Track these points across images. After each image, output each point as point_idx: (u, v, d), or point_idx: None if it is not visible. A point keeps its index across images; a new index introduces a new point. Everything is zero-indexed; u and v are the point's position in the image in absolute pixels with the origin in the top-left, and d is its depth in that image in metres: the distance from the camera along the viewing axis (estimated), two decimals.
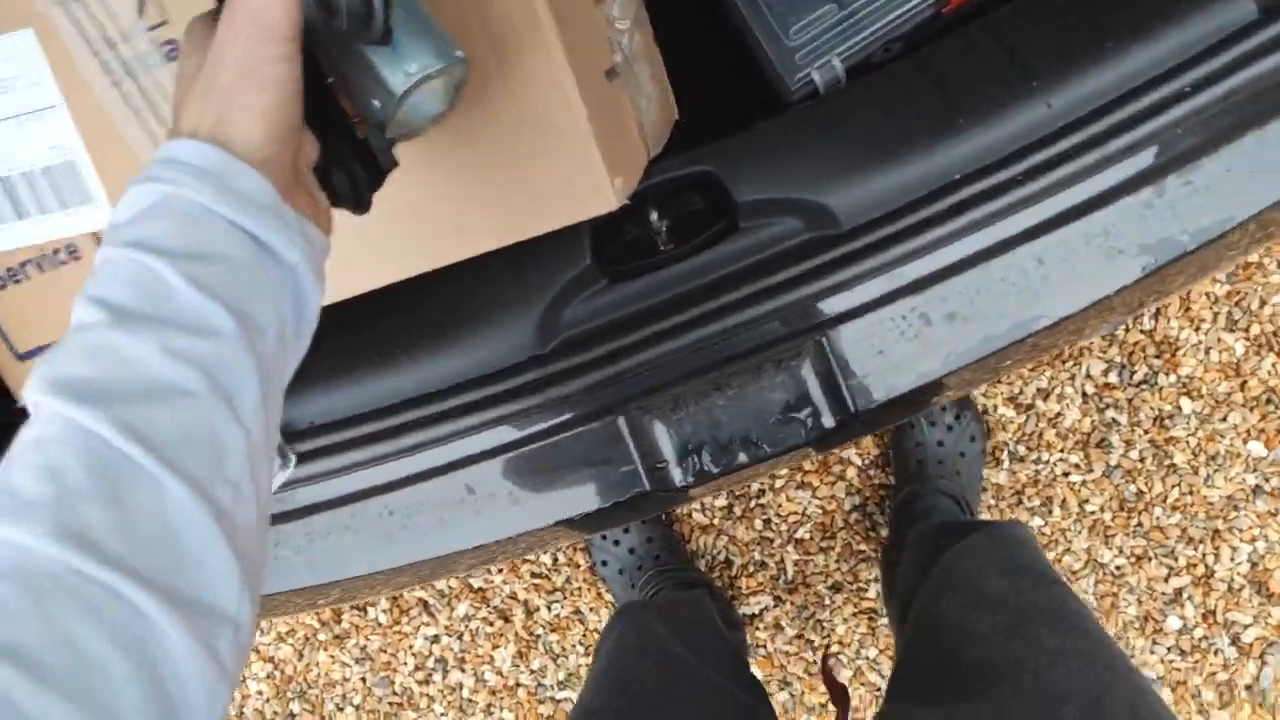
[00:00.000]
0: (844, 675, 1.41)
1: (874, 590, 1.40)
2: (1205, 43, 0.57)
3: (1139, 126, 0.58)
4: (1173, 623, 1.32)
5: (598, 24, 0.57)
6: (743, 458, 0.65)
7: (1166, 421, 1.33)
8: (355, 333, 0.66)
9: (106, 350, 0.32)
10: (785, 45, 0.77)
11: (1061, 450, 1.37)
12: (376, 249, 0.55)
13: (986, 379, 0.71)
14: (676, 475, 0.65)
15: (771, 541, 1.43)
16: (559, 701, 1.52)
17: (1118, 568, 1.34)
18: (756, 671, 1.39)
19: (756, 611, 1.43)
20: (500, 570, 1.51)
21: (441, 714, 1.54)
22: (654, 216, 0.64)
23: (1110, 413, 1.35)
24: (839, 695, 0.80)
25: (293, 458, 0.68)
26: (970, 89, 0.60)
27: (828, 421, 0.65)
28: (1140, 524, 1.34)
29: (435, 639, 1.53)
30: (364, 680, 1.57)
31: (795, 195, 0.61)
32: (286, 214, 0.37)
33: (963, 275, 0.62)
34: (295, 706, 1.60)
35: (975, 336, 0.63)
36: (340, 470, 0.68)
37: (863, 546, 1.41)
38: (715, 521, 1.45)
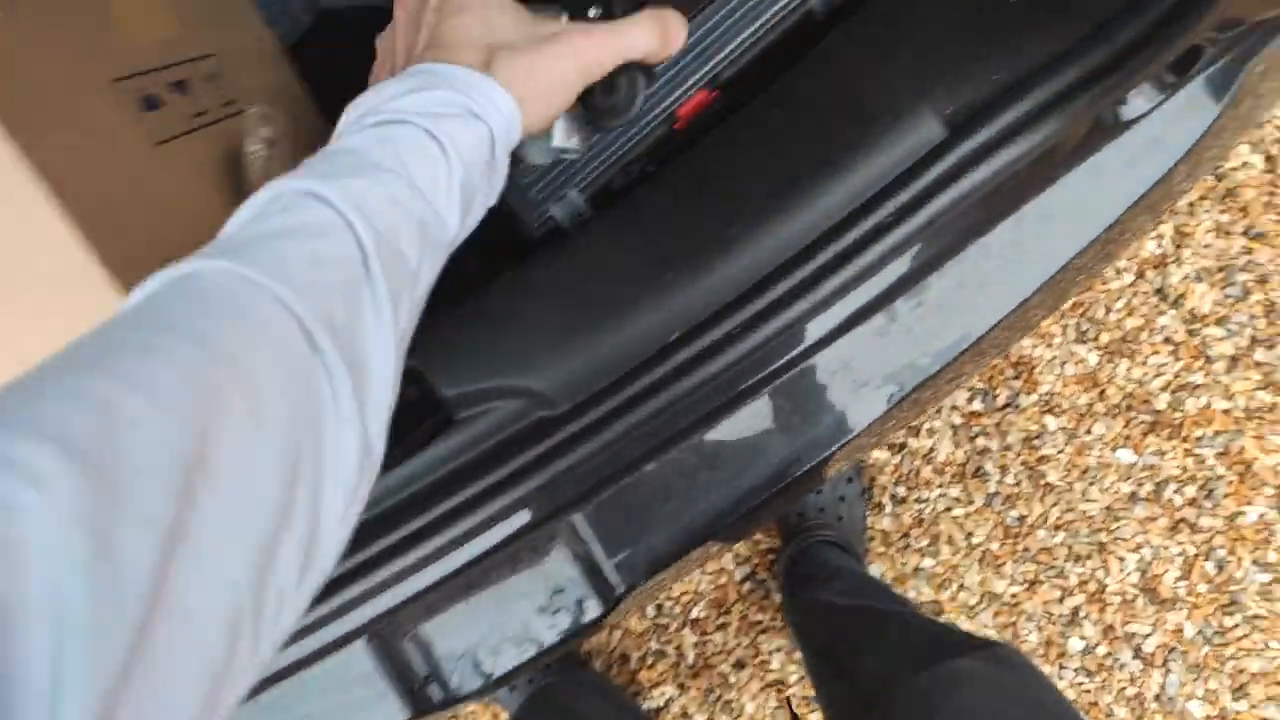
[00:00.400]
0: None
1: (777, 661, 1.36)
2: (900, 168, 0.53)
3: (853, 259, 0.55)
4: (1074, 644, 1.30)
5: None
6: (509, 658, 0.60)
7: (1035, 441, 1.32)
8: None
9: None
10: (520, 184, 0.72)
11: (940, 485, 1.34)
12: None
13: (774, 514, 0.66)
14: (437, 693, 0.59)
15: (666, 627, 1.38)
16: None
17: (1013, 596, 1.32)
18: None
19: (662, 704, 1.38)
20: None
21: None
22: None
23: (981, 440, 1.33)
24: None
25: None
26: (674, 241, 0.56)
27: (591, 610, 0.60)
28: (1027, 548, 1.32)
29: None
30: None
31: (502, 382, 0.56)
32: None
33: (694, 439, 0.57)
34: None
35: (724, 494, 0.58)
36: None
37: (760, 617, 1.37)
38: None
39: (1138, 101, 0.56)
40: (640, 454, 0.58)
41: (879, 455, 1.35)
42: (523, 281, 0.58)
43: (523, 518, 0.59)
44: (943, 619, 1.33)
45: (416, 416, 0.59)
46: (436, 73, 0.42)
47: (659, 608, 1.39)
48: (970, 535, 1.33)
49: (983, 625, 1.32)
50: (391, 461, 0.59)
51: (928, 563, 1.34)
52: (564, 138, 0.60)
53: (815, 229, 0.54)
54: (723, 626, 1.38)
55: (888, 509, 1.35)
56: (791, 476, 0.59)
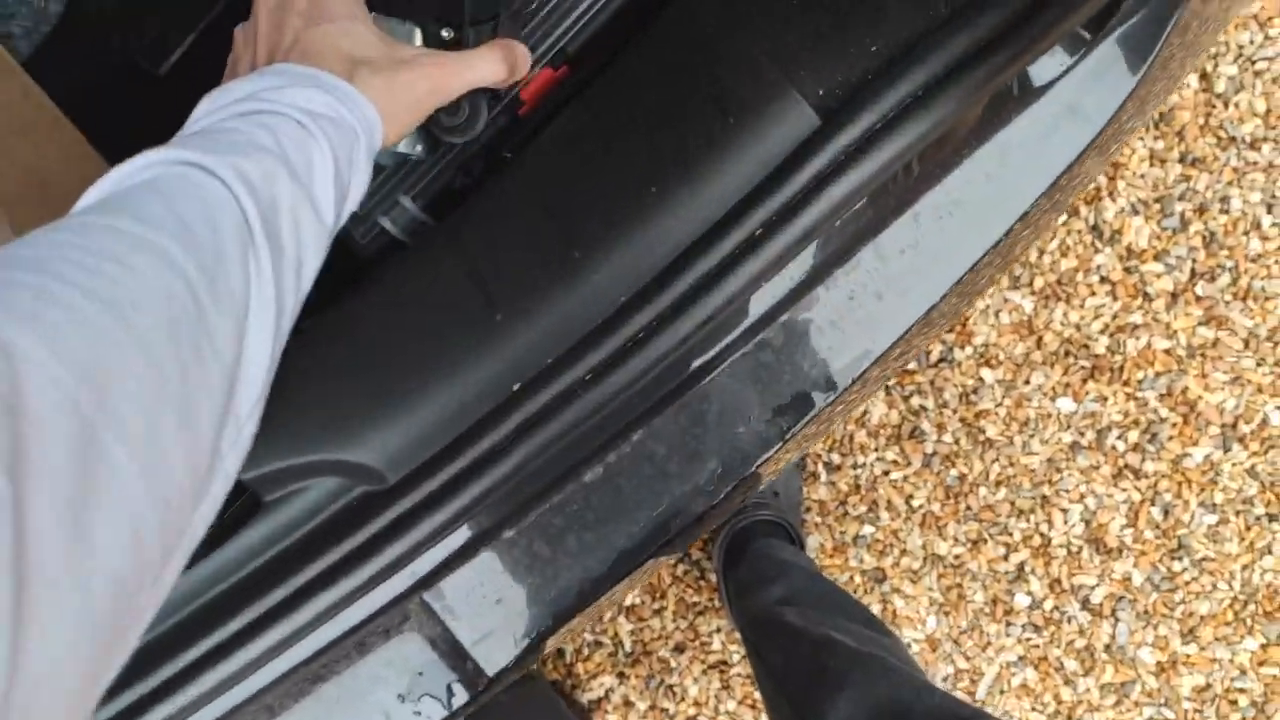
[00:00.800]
0: None
1: (717, 642, 1.31)
2: (773, 164, 0.44)
3: (724, 279, 0.45)
4: (1021, 600, 1.26)
5: None
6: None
7: (972, 396, 1.25)
8: None
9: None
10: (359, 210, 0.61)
11: (876, 450, 1.28)
12: None
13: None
14: None
15: (601, 617, 1.32)
16: None
17: (956, 557, 1.28)
18: None
19: (602, 694, 1.32)
20: None
21: None
22: None
23: (915, 399, 1.27)
24: None
25: None
26: (506, 272, 0.46)
27: (459, 696, 0.52)
28: (969, 507, 1.27)
29: None
30: None
31: (314, 457, 0.47)
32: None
33: (554, 499, 0.48)
34: None
35: (600, 557, 0.50)
36: None
37: (696, 599, 1.31)
38: None
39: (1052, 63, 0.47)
40: (493, 522, 0.50)
41: None
42: (330, 323, 0.48)
43: (359, 609, 0.50)
44: (887, 585, 1.28)
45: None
46: (305, 74, 0.43)
47: None
48: (910, 498, 1.27)
49: (927, 589, 1.28)
50: (195, 555, 0.49)
51: (867, 530, 1.28)
52: (408, 144, 0.54)
53: (675, 247, 0.45)
54: (659, 611, 1.32)
55: (823, 478, 1.29)
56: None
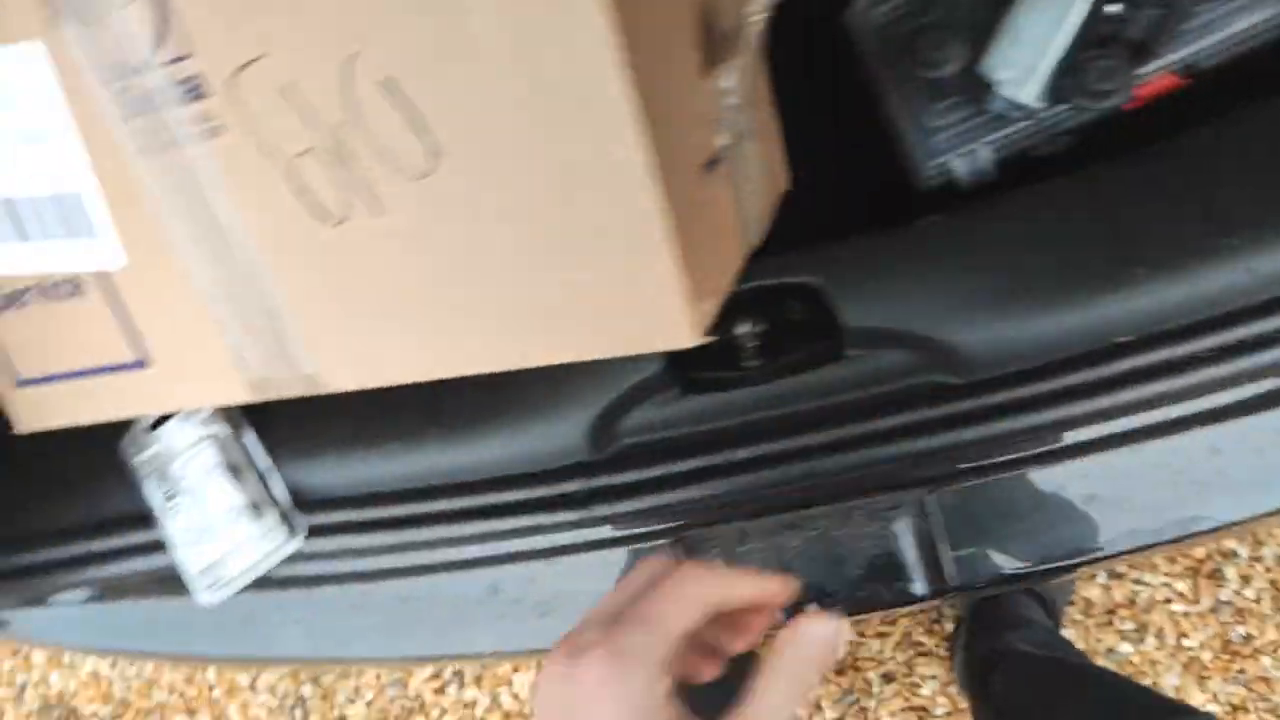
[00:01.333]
0: None
1: (929, 688, 1.30)
2: None
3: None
4: None
5: (702, 101, 0.47)
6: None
7: None
8: (386, 399, 0.58)
9: None
10: (922, 126, 0.66)
11: (1167, 574, 1.23)
12: (409, 341, 0.47)
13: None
14: None
15: None
16: None
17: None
18: None
19: None
20: None
21: None
22: (742, 325, 0.55)
23: (1229, 542, 1.21)
24: None
25: (302, 529, 0.61)
26: (1151, 234, 0.49)
27: (918, 589, 0.55)
28: (1243, 670, 1.20)
29: None
30: (378, 677, 1.54)
31: (914, 329, 0.51)
32: None
33: (1112, 453, 0.51)
34: (307, 690, 1.58)
35: (1116, 528, 0.52)
36: (355, 552, 0.61)
37: (924, 639, 1.31)
38: None
39: None
40: (1015, 458, 0.53)
41: None
42: (960, 228, 0.53)
43: (869, 475, 0.54)
44: None
45: (802, 336, 0.54)
46: None
47: None
48: (1184, 636, 1.22)
49: None
50: (759, 377, 0.55)
51: (1125, 648, 1.24)
52: (1031, 95, 0.57)
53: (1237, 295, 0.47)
54: (883, 635, 1.32)
55: (1100, 578, 1.25)
56: (1186, 533, 0.52)
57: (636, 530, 0.57)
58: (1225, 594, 1.21)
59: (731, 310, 0.57)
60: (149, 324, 0.51)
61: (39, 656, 1.70)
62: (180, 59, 0.43)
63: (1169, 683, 1.22)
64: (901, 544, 0.55)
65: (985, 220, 0.52)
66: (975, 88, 0.63)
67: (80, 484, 0.65)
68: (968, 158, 0.66)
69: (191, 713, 1.62)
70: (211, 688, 1.61)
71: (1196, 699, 1.21)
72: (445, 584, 0.62)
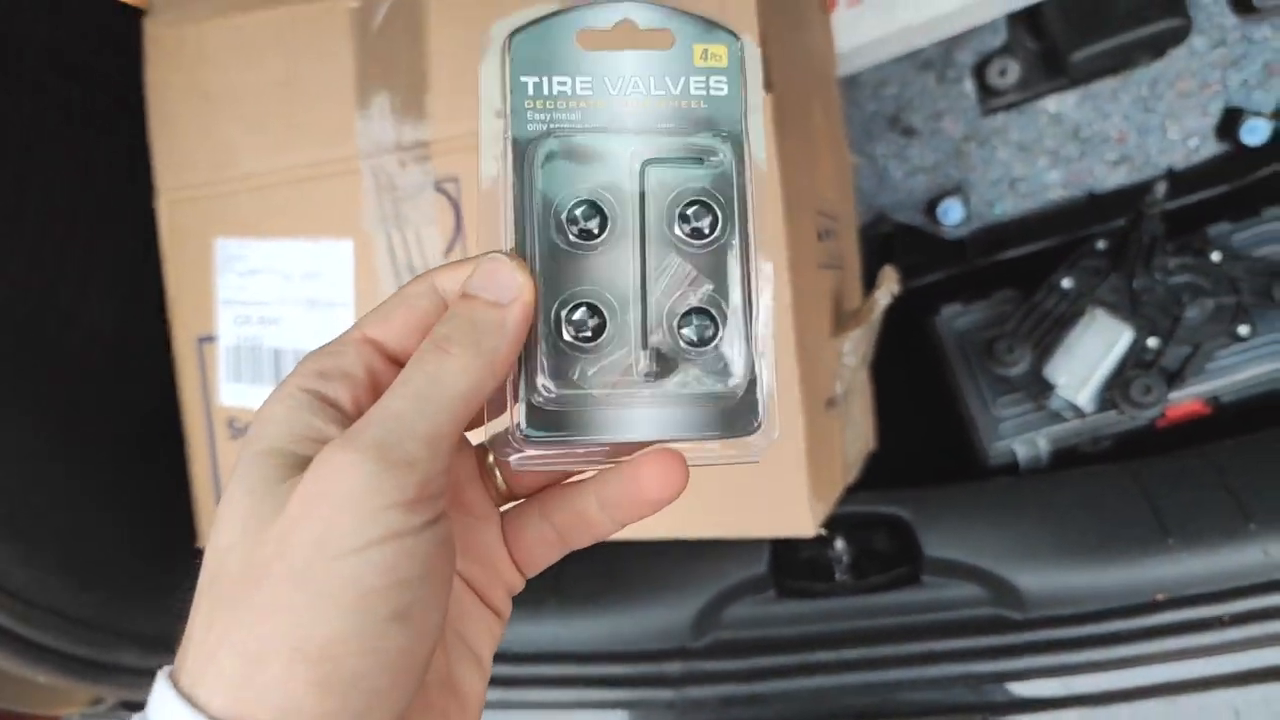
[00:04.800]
0: None
1: None
2: None
3: None
4: None
5: (829, 357, 0.64)
6: None
7: None
8: None
9: None
10: (991, 414, 0.82)
11: None
12: None
13: None
14: None
15: None
16: None
17: None
18: None
19: None
20: None
21: None
22: (838, 544, 0.68)
23: None
24: None
25: None
26: (1183, 513, 0.63)
27: None
28: None
29: None
30: None
31: (983, 565, 0.64)
32: None
33: (1148, 702, 0.61)
34: None
35: None
36: None
37: None
38: None
39: None
40: (1079, 695, 0.63)
41: None
42: (1026, 488, 0.67)
43: (937, 697, 0.64)
44: None
45: (887, 561, 0.67)
46: None
47: None
48: None
49: None
50: (846, 590, 0.67)
51: None
52: (1087, 400, 0.72)
53: None
54: None
55: None
56: None
57: (723, 716, 0.66)
58: None
59: (831, 530, 0.70)
60: None
61: None
62: None
63: None
64: None
65: (1049, 486, 0.66)
66: (1037, 387, 0.80)
67: None
68: (1027, 444, 0.81)
69: None
70: None
71: None
72: None
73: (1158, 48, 0.86)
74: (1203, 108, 0.84)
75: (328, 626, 0.24)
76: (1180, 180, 0.86)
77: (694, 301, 0.29)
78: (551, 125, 0.30)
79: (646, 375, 0.29)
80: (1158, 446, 0.74)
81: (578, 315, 0.29)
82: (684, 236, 0.29)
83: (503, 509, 0.33)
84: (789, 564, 0.69)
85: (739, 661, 0.66)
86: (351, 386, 0.28)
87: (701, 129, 0.30)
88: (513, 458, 0.30)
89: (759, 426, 0.30)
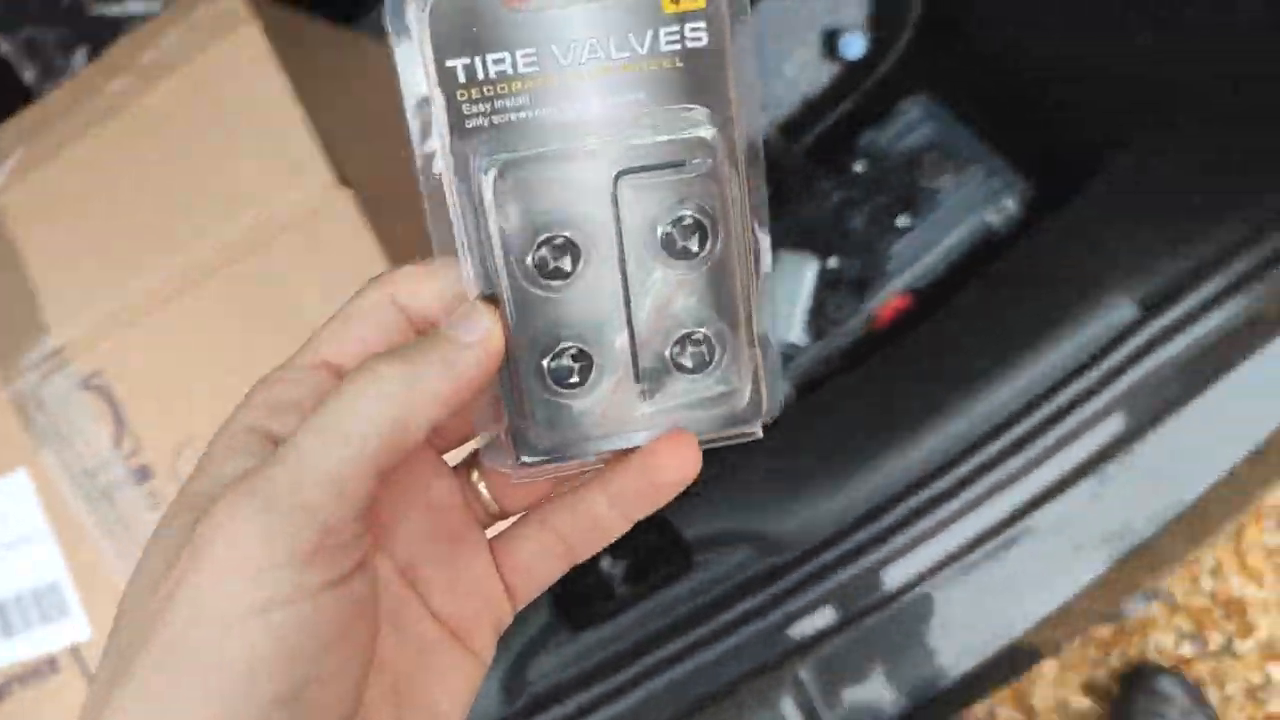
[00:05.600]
0: None
1: None
2: (1097, 345, 0.64)
3: (1059, 423, 0.64)
4: None
5: None
6: None
7: (1260, 694, 1.25)
8: None
9: None
10: None
11: None
12: None
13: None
14: None
15: None
16: None
17: None
18: None
19: None
20: None
21: None
22: (604, 562, 0.69)
23: (1198, 689, 1.28)
24: None
25: None
26: (906, 396, 0.67)
27: None
28: None
29: None
30: None
31: (738, 525, 0.66)
32: None
33: (917, 591, 0.64)
34: None
35: (951, 651, 0.64)
36: None
37: None
38: None
39: None
40: (864, 606, 0.66)
41: (1081, 703, 1.31)
42: (773, 433, 0.70)
43: (747, 663, 0.66)
44: None
45: (659, 558, 0.68)
46: None
47: None
48: None
49: None
50: (630, 600, 0.69)
51: None
52: (799, 335, 0.78)
53: (1015, 402, 0.64)
54: None
55: None
56: (1011, 638, 0.65)
57: None
58: None
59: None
60: None
61: None
62: (132, 453, 0.59)
63: None
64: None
65: (780, 424, 0.69)
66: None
67: None
68: None
69: None
70: None
71: None
72: None
73: None
74: (802, 38, 0.91)
75: (196, 714, 0.20)
76: (815, 106, 0.93)
77: (686, 323, 0.27)
78: (494, 118, 0.24)
79: (642, 393, 0.27)
80: (892, 346, 0.79)
81: (562, 365, 0.26)
82: (670, 259, 0.26)
83: (491, 534, 0.30)
84: (572, 597, 0.69)
85: (558, 710, 0.67)
86: (303, 419, 0.24)
87: (680, 98, 0.25)
88: (512, 471, 0.28)
89: (763, 417, 0.29)
